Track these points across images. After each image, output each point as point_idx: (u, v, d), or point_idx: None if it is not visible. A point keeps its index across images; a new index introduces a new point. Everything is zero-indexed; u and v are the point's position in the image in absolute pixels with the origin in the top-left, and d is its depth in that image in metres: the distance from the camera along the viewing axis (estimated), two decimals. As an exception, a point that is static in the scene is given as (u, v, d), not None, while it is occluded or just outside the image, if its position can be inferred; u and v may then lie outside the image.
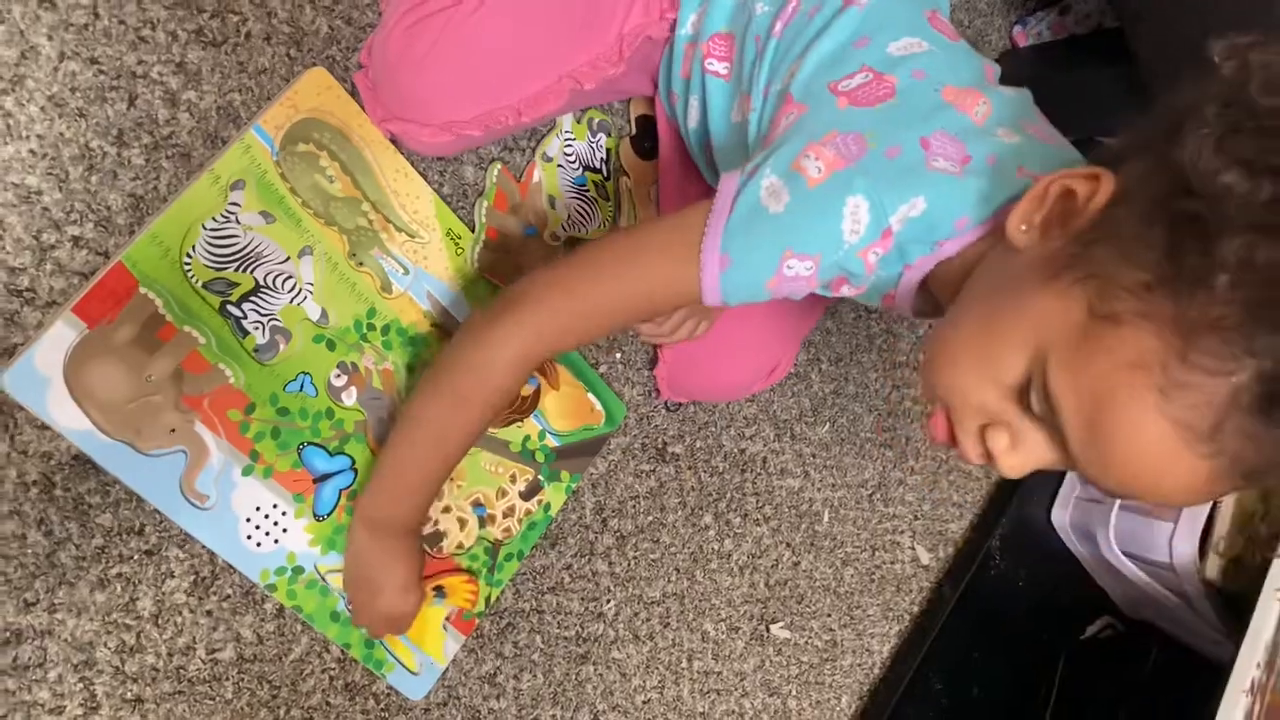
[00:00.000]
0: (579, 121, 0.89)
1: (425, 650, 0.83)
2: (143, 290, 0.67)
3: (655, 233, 0.67)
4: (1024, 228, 0.57)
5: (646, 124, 0.93)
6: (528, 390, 0.89)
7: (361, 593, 0.76)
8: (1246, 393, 0.46)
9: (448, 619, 0.85)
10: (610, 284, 0.67)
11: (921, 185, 0.59)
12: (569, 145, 0.89)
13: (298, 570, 0.76)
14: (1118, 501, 1.19)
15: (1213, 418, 0.48)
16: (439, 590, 0.85)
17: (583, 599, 0.96)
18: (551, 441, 0.91)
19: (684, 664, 1.04)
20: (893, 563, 1.22)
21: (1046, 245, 0.56)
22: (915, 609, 1.25)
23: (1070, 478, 1.31)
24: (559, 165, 0.88)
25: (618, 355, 0.96)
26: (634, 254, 0.67)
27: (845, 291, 0.66)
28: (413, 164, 0.80)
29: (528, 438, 0.89)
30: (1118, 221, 0.52)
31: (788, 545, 1.12)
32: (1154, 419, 0.49)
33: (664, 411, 1.00)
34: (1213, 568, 1.13)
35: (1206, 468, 0.49)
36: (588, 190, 0.91)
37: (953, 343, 0.60)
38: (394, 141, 0.77)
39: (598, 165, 0.91)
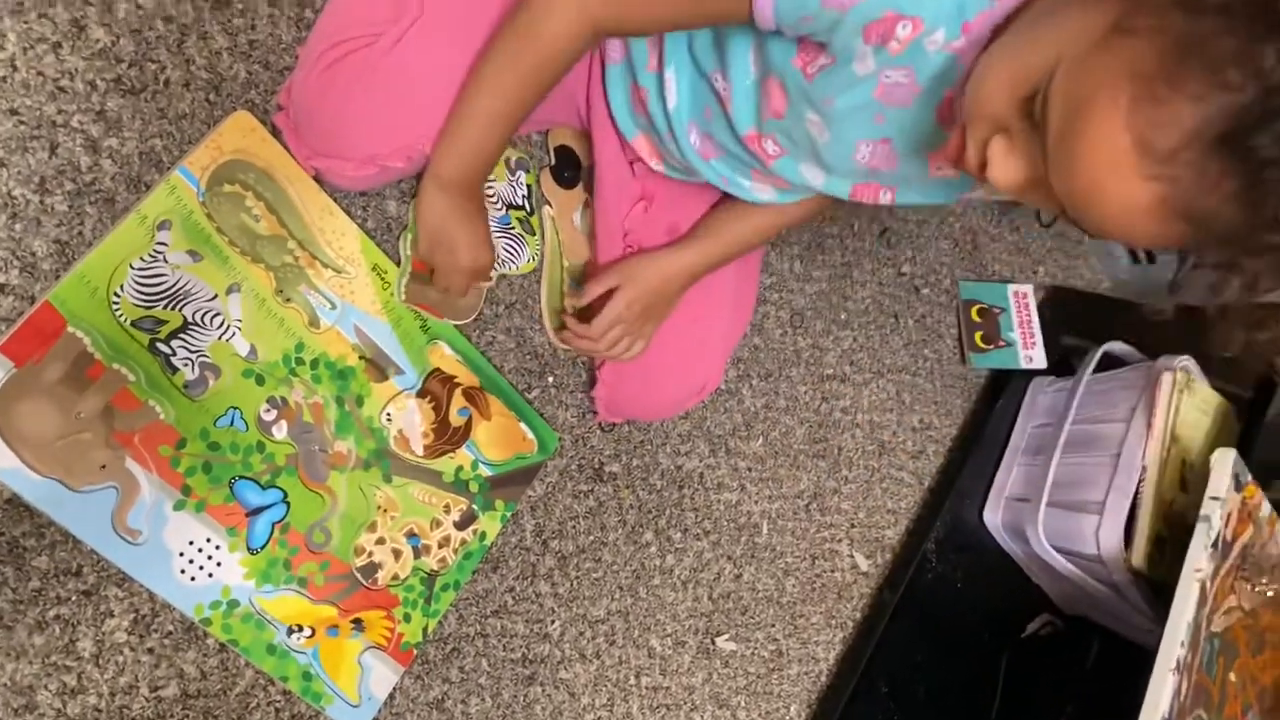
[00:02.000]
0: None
1: (339, 685, 0.83)
2: (71, 329, 0.68)
3: None
4: None
5: (565, 154, 0.96)
6: (459, 421, 0.91)
7: (441, 251, 0.81)
8: (1212, 126, 0.48)
9: (364, 652, 0.85)
10: None
11: None
12: (489, 187, 0.91)
13: (233, 604, 0.77)
14: (1044, 499, 1.23)
15: (1173, 140, 0.49)
16: (358, 623, 0.85)
17: (527, 621, 0.97)
18: (485, 471, 0.93)
19: (632, 681, 1.05)
20: (833, 571, 1.25)
21: None
22: (858, 615, 1.27)
23: (999, 479, 1.36)
24: (481, 203, 0.91)
25: (550, 379, 0.99)
26: None
27: (900, 32, 0.63)
28: (336, 200, 0.82)
29: (460, 468, 0.91)
30: None
31: (729, 558, 1.14)
32: (1118, 126, 0.50)
33: (599, 432, 1.03)
34: (1139, 557, 1.18)
35: (1148, 193, 0.51)
36: (513, 228, 0.93)
37: (995, 53, 0.61)
38: (318, 178, 0.80)
39: (519, 202, 0.94)
